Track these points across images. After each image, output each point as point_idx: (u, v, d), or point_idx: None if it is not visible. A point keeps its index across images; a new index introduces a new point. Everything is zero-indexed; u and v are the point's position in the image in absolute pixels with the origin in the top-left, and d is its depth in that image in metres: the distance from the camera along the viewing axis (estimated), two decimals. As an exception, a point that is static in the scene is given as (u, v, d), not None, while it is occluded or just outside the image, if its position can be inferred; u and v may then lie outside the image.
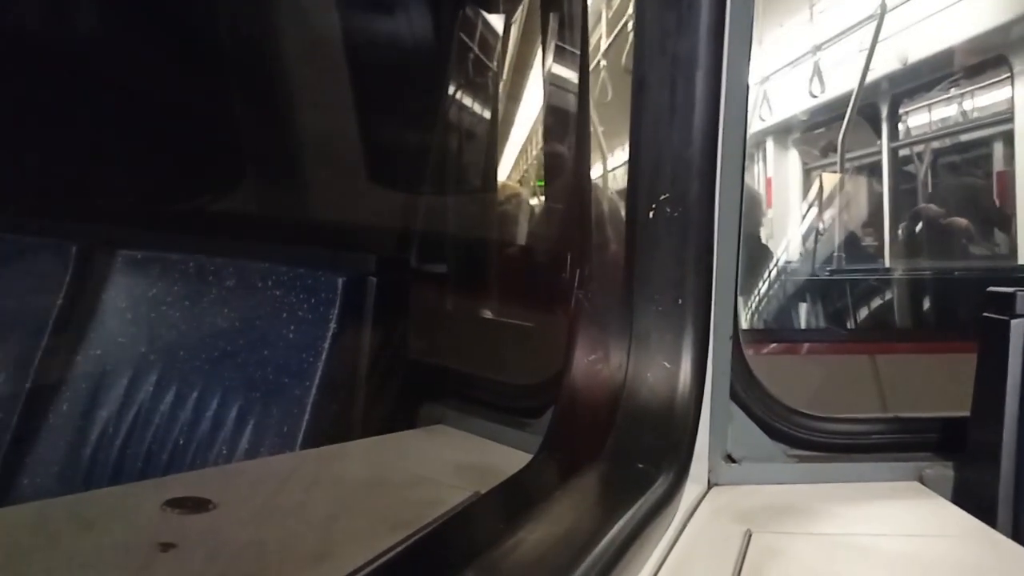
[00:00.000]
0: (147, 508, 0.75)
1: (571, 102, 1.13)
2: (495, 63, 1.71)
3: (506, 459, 1.01)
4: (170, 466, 1.34)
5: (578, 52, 1.16)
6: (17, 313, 1.69)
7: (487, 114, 1.73)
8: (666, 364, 0.88)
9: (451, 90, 1.69)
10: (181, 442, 1.34)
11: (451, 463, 1.02)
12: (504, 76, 1.70)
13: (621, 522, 0.66)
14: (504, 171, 1.67)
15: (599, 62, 1.72)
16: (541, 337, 1.18)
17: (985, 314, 0.97)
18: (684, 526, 0.81)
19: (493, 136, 1.70)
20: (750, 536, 0.78)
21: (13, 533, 0.69)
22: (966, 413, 1.00)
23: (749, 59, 0.88)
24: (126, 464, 1.39)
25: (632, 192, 0.90)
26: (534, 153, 1.65)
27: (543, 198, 1.56)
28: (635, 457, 0.80)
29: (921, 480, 1.01)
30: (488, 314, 1.33)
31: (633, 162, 0.90)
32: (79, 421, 1.47)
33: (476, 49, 1.73)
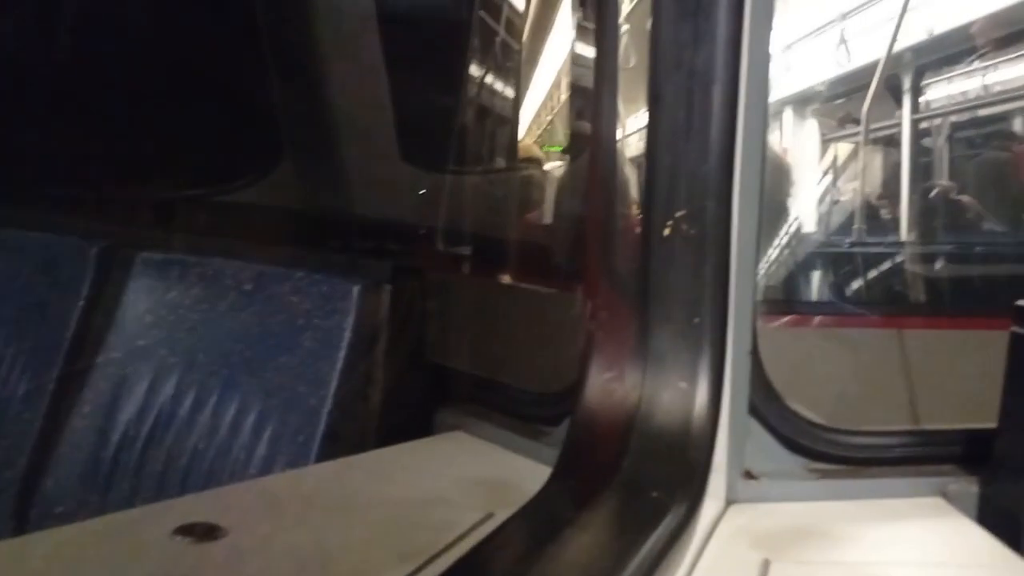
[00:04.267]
0: (157, 536, 0.75)
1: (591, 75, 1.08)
2: (518, 27, 1.67)
3: (521, 474, 1.00)
4: (189, 470, 1.35)
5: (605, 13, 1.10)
6: (40, 314, 1.70)
7: (511, 86, 1.69)
8: (682, 384, 0.87)
9: (473, 58, 1.65)
10: (200, 447, 1.35)
11: (465, 478, 1.01)
12: (526, 41, 1.65)
13: (637, 559, 0.65)
14: (523, 162, 1.65)
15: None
16: (558, 345, 1.17)
17: (1013, 329, 0.94)
18: (701, 551, 0.80)
19: (516, 112, 1.67)
20: (768, 567, 0.77)
21: (23, 566, 0.69)
22: (992, 424, 0.98)
23: (768, 71, 0.85)
24: (147, 466, 1.40)
25: (647, 209, 0.88)
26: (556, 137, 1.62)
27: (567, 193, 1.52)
28: (649, 485, 0.79)
29: (945, 495, 0.99)
30: (504, 320, 1.32)
31: (649, 178, 0.88)
32: (101, 423, 1.48)
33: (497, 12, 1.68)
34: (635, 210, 1.04)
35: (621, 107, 0.98)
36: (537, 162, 1.68)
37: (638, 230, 0.95)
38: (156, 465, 1.39)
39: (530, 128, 1.69)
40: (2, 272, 1.84)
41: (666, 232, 0.86)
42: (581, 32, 1.34)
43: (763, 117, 0.86)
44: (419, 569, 0.71)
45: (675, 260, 0.86)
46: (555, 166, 1.62)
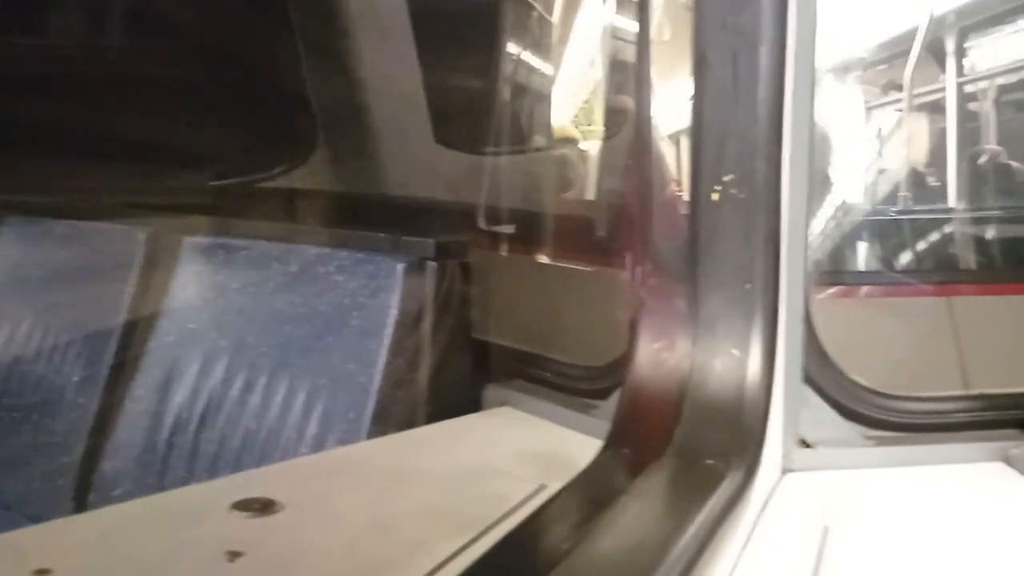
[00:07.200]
0: (215, 511, 0.76)
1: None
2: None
3: (571, 446, 1.00)
4: (242, 451, 1.37)
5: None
6: (91, 301, 1.74)
7: (546, 63, 1.67)
8: (734, 352, 0.85)
9: (508, 38, 1.64)
10: (252, 427, 1.36)
11: (516, 451, 1.01)
12: (558, 16, 1.63)
13: (692, 529, 0.64)
14: (562, 142, 1.63)
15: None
16: (605, 318, 1.16)
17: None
18: (757, 521, 0.79)
19: (550, 90, 1.65)
20: (827, 532, 0.75)
21: (81, 543, 0.71)
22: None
23: (815, 30, 0.83)
24: (200, 448, 1.43)
25: (695, 174, 0.87)
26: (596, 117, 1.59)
27: (610, 167, 1.50)
28: (703, 453, 0.78)
29: (1007, 460, 0.96)
30: (551, 293, 1.31)
31: (695, 142, 0.86)
32: (154, 407, 1.50)
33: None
34: (680, 177, 1.02)
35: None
36: (573, 141, 1.67)
37: (684, 197, 0.94)
38: (210, 447, 1.41)
39: (565, 106, 1.67)
40: (53, 261, 1.88)
41: (715, 196, 0.85)
42: (620, 4, 1.32)
43: (811, 77, 0.84)
44: (476, 539, 0.71)
45: (724, 225, 0.85)
46: (592, 144, 1.60)
